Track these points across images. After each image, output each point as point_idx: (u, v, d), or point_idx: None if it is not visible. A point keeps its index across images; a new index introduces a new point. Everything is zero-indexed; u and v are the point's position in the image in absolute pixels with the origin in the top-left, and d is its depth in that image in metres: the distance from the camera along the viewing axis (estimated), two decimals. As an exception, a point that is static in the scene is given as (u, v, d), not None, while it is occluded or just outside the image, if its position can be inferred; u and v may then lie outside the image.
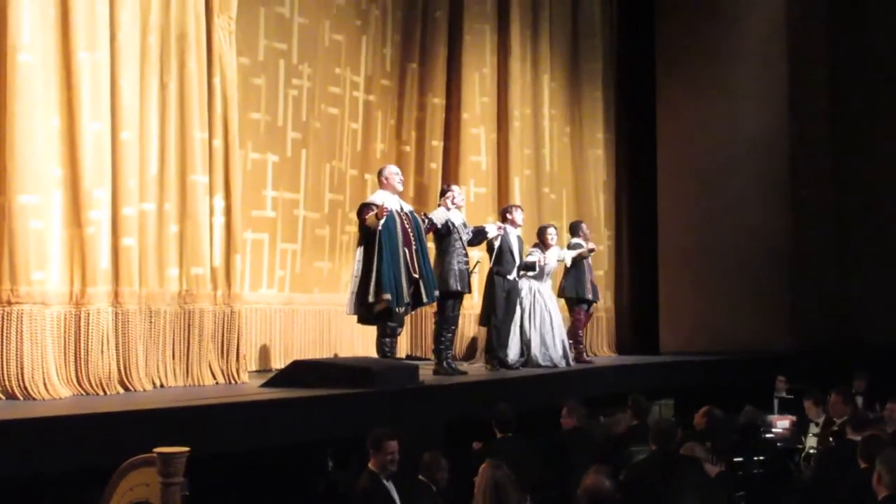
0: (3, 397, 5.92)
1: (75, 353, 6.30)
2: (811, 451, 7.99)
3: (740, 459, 7.19)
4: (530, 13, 12.36)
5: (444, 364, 8.52)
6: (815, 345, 13.24)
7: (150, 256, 6.93)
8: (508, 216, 9.55)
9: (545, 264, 9.94)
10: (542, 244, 10.13)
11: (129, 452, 4.04)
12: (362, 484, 5.40)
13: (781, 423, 8.77)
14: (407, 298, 7.91)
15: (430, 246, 8.72)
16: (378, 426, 5.57)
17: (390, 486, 5.41)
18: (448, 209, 8.61)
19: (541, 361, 9.76)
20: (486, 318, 9.37)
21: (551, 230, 10.23)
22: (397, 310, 7.88)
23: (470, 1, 11.43)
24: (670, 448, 5.75)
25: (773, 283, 13.49)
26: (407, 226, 8.00)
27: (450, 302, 8.59)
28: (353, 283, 8.00)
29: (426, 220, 8.37)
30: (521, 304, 9.68)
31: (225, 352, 7.36)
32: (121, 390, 6.48)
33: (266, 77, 8.98)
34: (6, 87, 6.04)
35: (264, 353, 8.85)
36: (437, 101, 11.14)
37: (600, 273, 12.71)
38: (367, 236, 7.84)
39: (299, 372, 7.05)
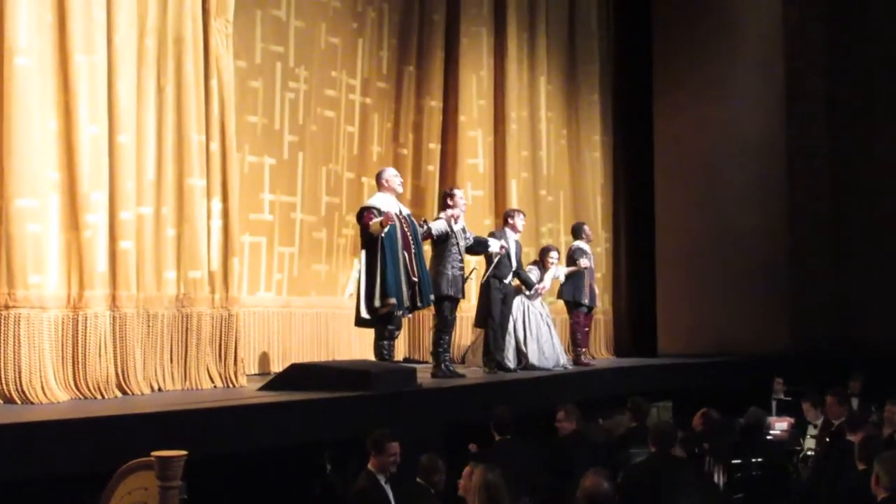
0: (1, 401, 5.91)
1: (73, 357, 6.29)
2: (809, 452, 7.99)
3: (739, 462, 7.19)
4: (527, 16, 12.38)
5: (443, 367, 8.52)
6: (812, 346, 13.26)
7: (147, 260, 6.92)
8: (510, 220, 9.54)
9: (544, 291, 9.95)
10: (542, 265, 10.16)
11: (127, 456, 4.03)
12: (360, 485, 5.40)
13: (780, 425, 8.78)
14: (406, 302, 7.91)
15: (427, 248, 8.71)
16: (376, 429, 5.57)
17: (387, 488, 5.41)
18: (449, 226, 8.52)
19: (538, 366, 9.77)
20: (481, 319, 9.37)
21: (553, 254, 10.27)
22: (397, 313, 7.89)
23: (467, 4, 11.43)
24: (669, 450, 5.76)
25: (770, 285, 13.50)
26: (406, 229, 7.99)
27: (447, 304, 8.58)
28: (354, 287, 8.01)
29: (424, 227, 8.37)
30: (515, 315, 9.69)
31: (223, 355, 7.36)
32: (119, 394, 6.47)
33: (263, 80, 8.98)
34: (3, 90, 6.03)
35: (262, 356, 8.84)
36: (434, 103, 11.14)
37: (598, 275, 12.71)
38: (369, 241, 7.84)
39: (297, 375, 7.04)
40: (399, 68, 10.83)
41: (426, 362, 9.93)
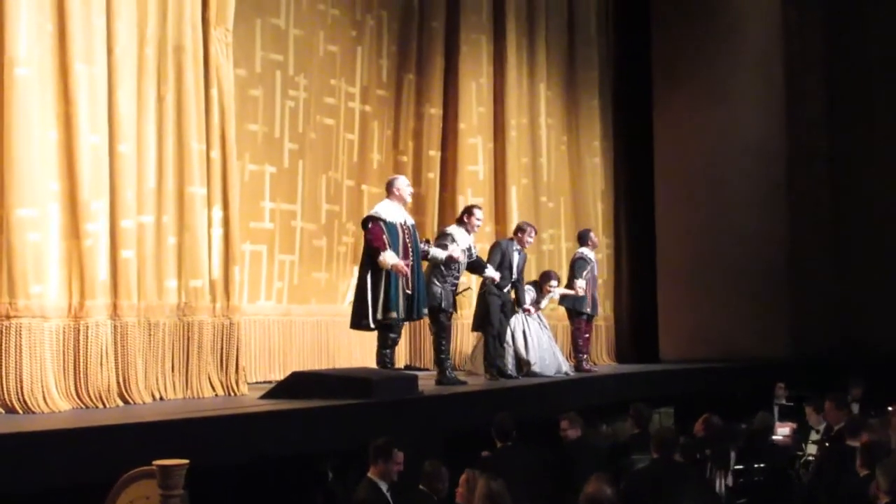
0: (3, 411, 5.90)
1: (74, 367, 6.28)
2: (811, 457, 7.99)
3: (741, 467, 7.19)
4: (526, 23, 12.39)
5: (447, 373, 8.54)
6: (814, 351, 13.25)
7: (148, 269, 6.92)
8: (520, 234, 9.52)
9: (533, 314, 9.98)
10: (540, 289, 10.16)
11: (129, 465, 4.03)
12: (361, 495, 5.39)
13: (782, 430, 8.79)
14: (402, 314, 7.98)
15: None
16: (377, 436, 5.56)
17: (389, 496, 5.40)
18: (453, 253, 8.48)
19: (540, 373, 9.78)
20: (478, 324, 9.39)
21: (553, 282, 10.31)
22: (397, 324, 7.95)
23: (466, 11, 11.44)
24: (671, 456, 5.76)
25: (771, 290, 13.50)
26: (407, 240, 8.01)
27: (442, 314, 8.62)
28: (354, 294, 8.03)
29: (425, 246, 8.39)
30: (513, 324, 9.69)
31: (224, 364, 7.35)
32: (120, 403, 6.47)
33: (263, 88, 8.99)
34: (3, 100, 6.03)
35: (262, 364, 8.83)
36: (434, 111, 11.15)
37: (599, 281, 12.70)
38: (371, 253, 7.86)
39: (298, 383, 7.04)
40: (398, 76, 10.84)
41: (427, 369, 9.95)
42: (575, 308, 10.67)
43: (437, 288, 8.44)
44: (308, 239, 9.50)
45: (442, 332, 8.63)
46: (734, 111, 13.81)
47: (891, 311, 13.45)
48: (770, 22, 14.03)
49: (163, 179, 7.06)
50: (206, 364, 7.21)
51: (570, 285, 10.52)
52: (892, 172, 13.78)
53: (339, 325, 9.31)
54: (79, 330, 6.31)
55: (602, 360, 13.08)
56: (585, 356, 10.94)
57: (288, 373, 7.88)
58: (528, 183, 12.13)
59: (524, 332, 9.85)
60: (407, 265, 7.88)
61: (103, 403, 6.33)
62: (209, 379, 7.22)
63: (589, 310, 10.72)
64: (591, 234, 11.07)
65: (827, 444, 7.58)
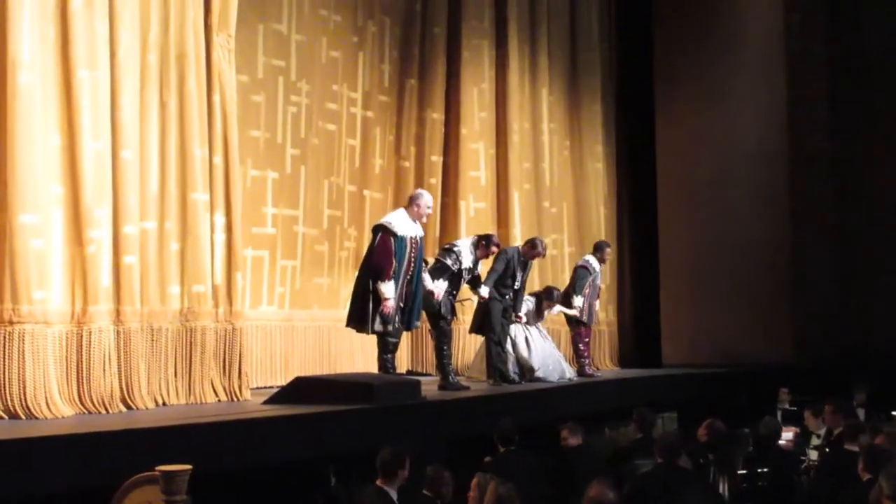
0: (6, 416, 5.90)
1: (77, 372, 6.29)
2: (812, 462, 7.98)
3: (745, 472, 7.17)
4: (528, 28, 12.39)
5: (450, 379, 8.56)
6: (817, 356, 13.23)
7: (151, 274, 6.93)
8: (528, 248, 9.53)
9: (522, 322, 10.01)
10: (540, 303, 10.16)
11: (132, 471, 4.03)
12: (368, 502, 5.35)
13: (786, 435, 8.76)
14: (397, 324, 8.06)
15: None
16: (379, 442, 5.55)
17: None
18: (434, 290, 8.53)
19: (543, 378, 9.77)
20: (477, 326, 9.41)
21: (557, 307, 10.33)
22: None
23: (468, 16, 11.45)
24: (675, 461, 5.75)
25: (774, 294, 13.49)
26: (412, 254, 8.05)
27: (442, 320, 8.66)
28: (352, 294, 8.05)
29: (425, 266, 8.45)
30: (514, 331, 9.70)
31: (227, 369, 7.36)
32: (123, 409, 6.48)
33: (265, 94, 8.99)
34: (6, 105, 6.04)
35: (264, 369, 8.83)
36: (436, 116, 11.15)
37: (602, 286, 12.68)
38: (374, 265, 7.90)
39: (301, 388, 7.05)
40: (400, 81, 10.84)
41: (429, 374, 9.94)
42: (573, 316, 10.70)
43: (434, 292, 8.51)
44: (310, 244, 9.51)
45: (443, 338, 8.66)
46: (736, 115, 13.81)
47: (894, 315, 13.43)
48: (771, 26, 14.02)
49: (165, 185, 7.08)
50: (209, 369, 7.22)
51: (567, 301, 10.51)
52: (894, 175, 13.77)
53: (341, 330, 9.30)
54: (82, 336, 6.31)
55: (605, 365, 13.06)
56: (588, 360, 10.93)
57: (289, 378, 7.89)
58: (530, 188, 12.13)
59: (526, 339, 9.87)
60: (408, 274, 7.94)
61: (106, 409, 6.33)
62: (212, 384, 7.23)
63: (585, 319, 10.74)
64: (607, 249, 11.11)
65: (827, 449, 7.57)
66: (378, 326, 7.87)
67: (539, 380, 9.73)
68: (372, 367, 8.50)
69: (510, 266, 9.23)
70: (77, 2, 6.40)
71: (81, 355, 6.30)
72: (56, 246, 6.25)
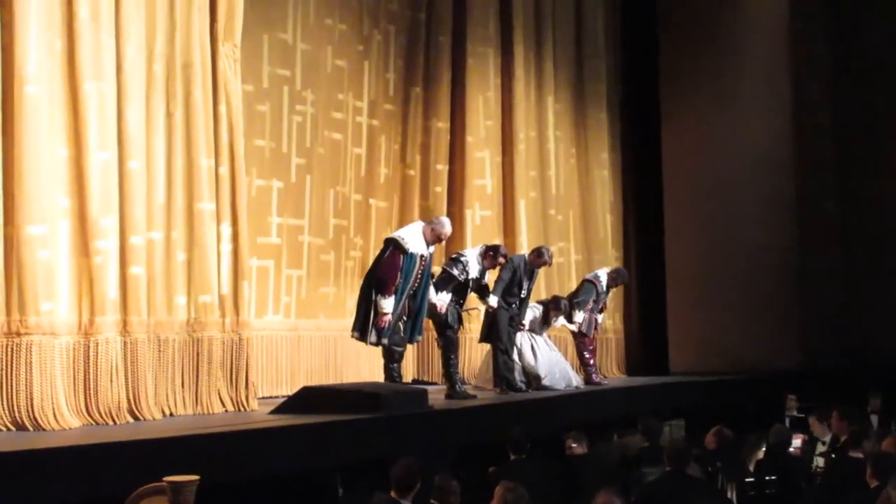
0: (13, 428, 5.91)
1: (84, 383, 6.28)
2: (819, 469, 7.97)
3: (752, 479, 7.15)
4: (533, 36, 12.39)
5: (457, 387, 8.56)
6: (824, 362, 13.20)
7: (158, 285, 6.93)
8: (534, 256, 9.51)
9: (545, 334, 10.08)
10: (546, 316, 10.14)
11: (139, 482, 4.03)
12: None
13: (794, 442, 8.74)
14: (400, 335, 8.11)
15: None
16: (387, 451, 5.55)
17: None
18: (438, 302, 8.53)
19: (551, 387, 9.76)
20: (485, 335, 9.41)
21: (561, 319, 10.32)
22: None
23: (473, 25, 11.45)
24: (684, 468, 5.73)
25: (781, 300, 13.47)
26: (419, 270, 8.06)
27: (449, 330, 8.66)
28: (357, 301, 8.07)
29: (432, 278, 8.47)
30: (520, 340, 9.69)
31: (234, 379, 7.36)
32: (130, 420, 6.47)
33: (270, 104, 9.01)
34: (13, 117, 6.05)
35: (270, 379, 8.82)
36: (442, 124, 11.15)
37: (608, 296, 12.66)
38: (379, 275, 7.92)
39: (308, 398, 7.04)
40: (406, 90, 10.85)
41: (435, 383, 9.94)
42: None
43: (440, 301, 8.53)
44: (316, 253, 9.51)
45: (450, 347, 8.66)
46: (741, 121, 13.82)
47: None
48: (776, 33, 14.04)
49: (172, 195, 7.08)
50: (216, 380, 7.22)
51: (570, 315, 10.50)
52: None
53: (347, 339, 9.27)
54: (89, 346, 6.31)
55: (612, 372, 13.05)
56: (594, 369, 10.93)
57: (295, 387, 7.90)
58: (536, 196, 12.12)
59: (532, 347, 9.86)
60: (412, 289, 8.01)
61: (113, 420, 6.33)
62: (219, 394, 7.22)
63: (585, 331, 10.73)
64: (625, 275, 11.31)
65: (833, 456, 7.55)
66: (373, 338, 7.92)
67: (546, 388, 9.72)
68: (378, 376, 8.50)
69: (517, 275, 9.23)
70: (84, 14, 6.42)
71: (88, 366, 6.30)
72: (63, 257, 6.25)
